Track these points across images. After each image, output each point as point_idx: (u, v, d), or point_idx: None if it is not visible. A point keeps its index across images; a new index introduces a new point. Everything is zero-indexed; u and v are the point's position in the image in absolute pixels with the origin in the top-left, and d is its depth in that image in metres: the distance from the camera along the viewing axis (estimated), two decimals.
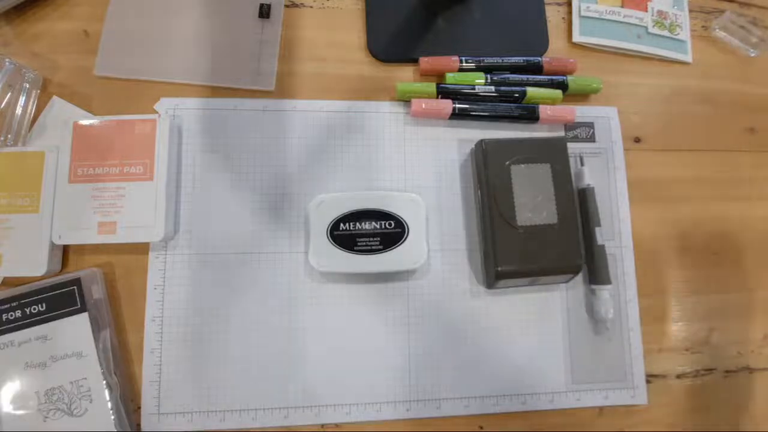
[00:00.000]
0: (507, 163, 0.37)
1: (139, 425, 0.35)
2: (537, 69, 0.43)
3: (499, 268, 0.36)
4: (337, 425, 0.36)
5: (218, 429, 0.35)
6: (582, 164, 0.41)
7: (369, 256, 0.36)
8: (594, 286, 0.39)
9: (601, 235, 0.39)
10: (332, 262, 0.36)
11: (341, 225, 0.36)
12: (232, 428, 0.35)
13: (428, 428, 0.37)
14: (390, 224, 0.37)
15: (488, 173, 0.37)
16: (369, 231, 0.36)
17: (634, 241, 0.41)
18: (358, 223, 0.36)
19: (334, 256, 0.36)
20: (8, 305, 0.34)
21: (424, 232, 0.37)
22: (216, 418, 0.35)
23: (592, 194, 0.40)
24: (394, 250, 0.36)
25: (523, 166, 0.37)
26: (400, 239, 0.36)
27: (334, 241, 0.36)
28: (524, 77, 0.42)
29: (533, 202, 0.37)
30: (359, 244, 0.36)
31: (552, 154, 0.38)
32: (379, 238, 0.36)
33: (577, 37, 0.45)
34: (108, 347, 0.34)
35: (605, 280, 0.39)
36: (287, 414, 0.36)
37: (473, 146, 0.40)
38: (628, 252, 0.41)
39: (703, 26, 0.48)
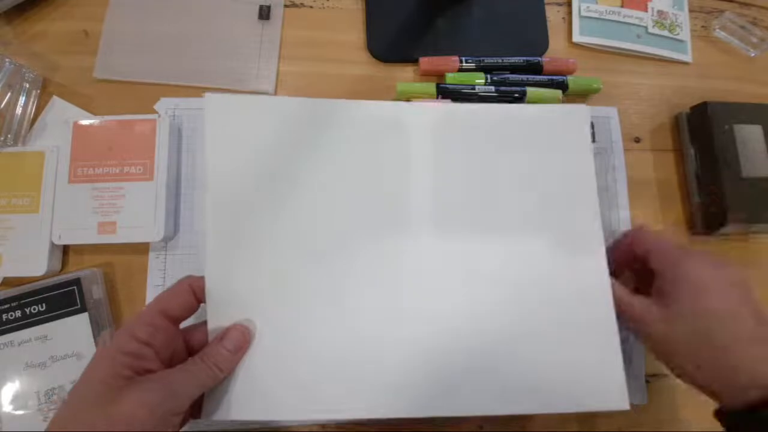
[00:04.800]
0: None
1: None
2: (537, 69, 0.43)
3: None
4: (338, 425, 0.36)
5: (217, 428, 0.35)
6: None
7: None
8: None
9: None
10: None
11: None
12: (229, 427, 0.35)
13: (428, 428, 0.37)
14: None
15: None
16: None
17: None
18: None
19: None
20: (8, 305, 0.34)
21: None
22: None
23: None
24: None
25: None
26: None
27: None
28: (524, 77, 0.42)
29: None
30: None
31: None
32: None
33: (577, 37, 0.45)
34: None
35: None
36: None
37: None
38: None
39: (703, 26, 0.48)
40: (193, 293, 0.29)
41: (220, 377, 0.28)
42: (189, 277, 0.29)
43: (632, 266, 0.35)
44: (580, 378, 0.31)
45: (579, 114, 0.36)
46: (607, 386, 0.31)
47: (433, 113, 0.35)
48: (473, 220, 0.33)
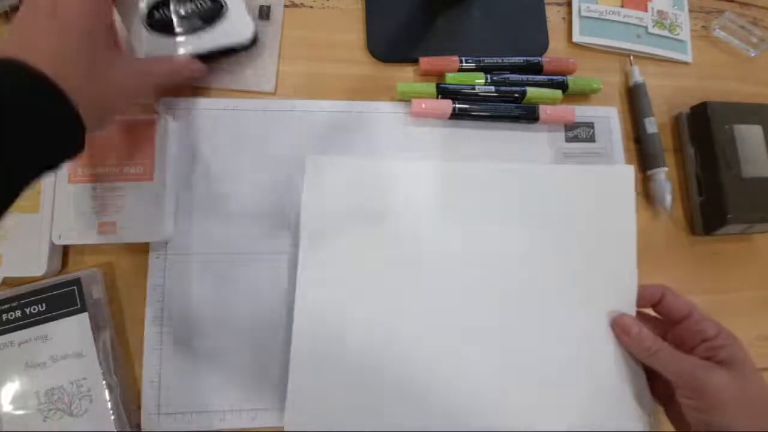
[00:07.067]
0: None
1: (139, 425, 0.35)
2: (537, 69, 0.43)
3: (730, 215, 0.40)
4: None
5: (218, 429, 0.35)
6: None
7: (192, 36, 0.37)
8: (650, 172, 0.42)
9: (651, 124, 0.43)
10: (154, 48, 0.36)
11: (155, 13, 0.36)
12: (231, 428, 0.35)
13: None
14: (205, 2, 0.37)
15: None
16: (187, 13, 0.37)
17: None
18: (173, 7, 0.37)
19: (156, 43, 0.36)
20: (8, 305, 0.34)
21: (243, 4, 0.38)
22: (216, 418, 0.35)
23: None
24: (217, 25, 0.37)
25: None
26: (219, 14, 0.37)
27: (152, 28, 0.36)
28: (524, 77, 0.42)
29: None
30: (178, 28, 0.37)
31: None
32: (198, 18, 0.37)
33: (577, 37, 0.45)
34: (108, 347, 0.34)
35: (660, 164, 0.42)
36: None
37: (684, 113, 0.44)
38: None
39: (703, 26, 0.48)
40: None
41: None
42: None
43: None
44: (607, 401, 0.36)
45: (624, 175, 0.39)
46: (631, 408, 0.36)
47: (477, 172, 0.39)
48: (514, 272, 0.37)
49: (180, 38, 0.37)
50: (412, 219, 0.37)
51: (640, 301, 0.37)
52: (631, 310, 0.37)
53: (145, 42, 0.36)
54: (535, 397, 0.36)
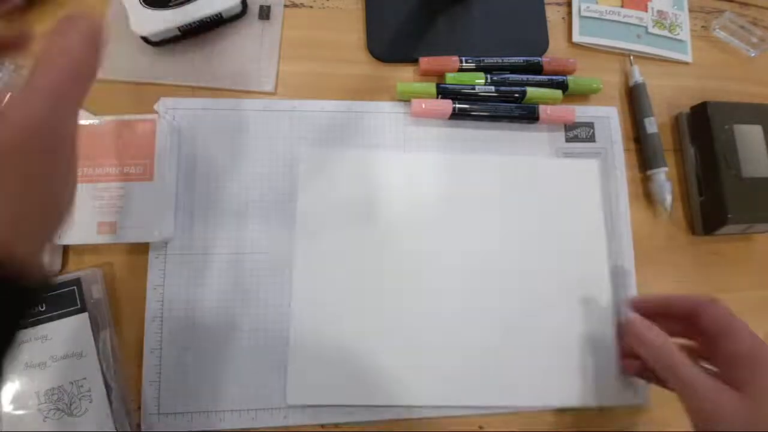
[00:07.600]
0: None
1: (139, 425, 0.35)
2: (537, 69, 0.43)
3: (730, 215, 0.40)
4: (336, 425, 0.36)
5: (218, 429, 0.35)
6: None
7: (184, 8, 0.37)
8: (650, 172, 0.42)
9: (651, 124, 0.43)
10: (153, 23, 0.37)
11: None
12: (232, 428, 0.35)
13: (427, 428, 0.37)
14: None
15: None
16: None
17: (634, 240, 0.41)
18: None
19: (150, 17, 0.37)
20: None
21: None
22: (216, 418, 0.35)
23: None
24: None
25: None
26: None
27: (146, 3, 0.37)
28: (524, 77, 0.42)
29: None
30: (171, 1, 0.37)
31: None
32: None
33: (577, 37, 0.45)
34: (108, 347, 0.34)
35: (660, 164, 0.42)
36: (287, 414, 0.36)
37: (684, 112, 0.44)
38: (628, 250, 0.41)
39: (703, 26, 0.48)
40: None
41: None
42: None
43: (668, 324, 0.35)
44: (590, 378, 0.38)
45: (588, 169, 0.41)
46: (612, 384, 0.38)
47: (464, 163, 0.41)
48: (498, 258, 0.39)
49: (172, 10, 0.37)
50: (403, 206, 0.39)
51: (670, 310, 0.36)
52: (606, 292, 0.39)
53: (140, 17, 0.37)
54: (517, 377, 0.37)
